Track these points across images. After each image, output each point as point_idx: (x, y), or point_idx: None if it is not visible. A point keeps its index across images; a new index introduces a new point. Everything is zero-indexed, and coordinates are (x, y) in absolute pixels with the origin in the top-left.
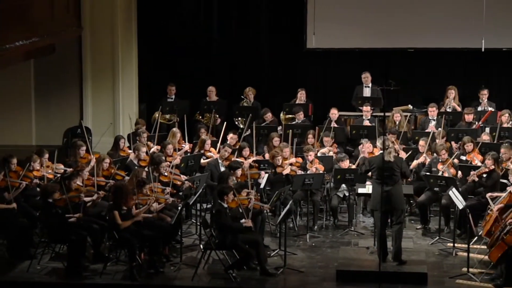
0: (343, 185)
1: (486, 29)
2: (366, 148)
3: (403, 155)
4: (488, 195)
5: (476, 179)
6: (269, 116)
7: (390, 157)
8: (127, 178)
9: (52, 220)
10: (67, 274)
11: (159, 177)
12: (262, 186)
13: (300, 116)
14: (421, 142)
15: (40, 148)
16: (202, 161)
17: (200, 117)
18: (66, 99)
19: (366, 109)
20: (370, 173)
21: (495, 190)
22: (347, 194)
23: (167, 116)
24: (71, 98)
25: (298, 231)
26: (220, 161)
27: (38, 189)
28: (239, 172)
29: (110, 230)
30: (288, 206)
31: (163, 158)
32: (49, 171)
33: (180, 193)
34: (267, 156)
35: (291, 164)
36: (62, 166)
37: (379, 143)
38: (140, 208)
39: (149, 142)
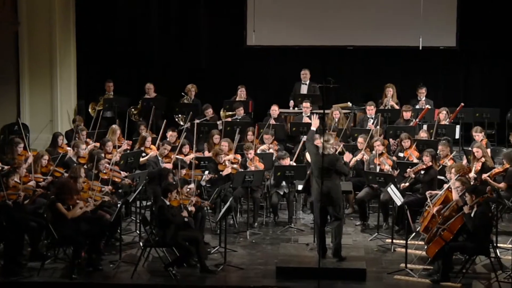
0: (283, 183)
1: (424, 28)
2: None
3: (348, 155)
4: (427, 193)
5: (413, 176)
6: (210, 111)
7: (325, 152)
8: (66, 175)
9: None
10: (4, 273)
11: (98, 175)
12: (203, 183)
13: (240, 112)
14: (360, 140)
15: None
16: (142, 158)
17: (133, 109)
18: (3, 95)
19: (306, 106)
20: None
21: (432, 187)
22: (286, 191)
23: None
24: (8, 95)
25: (238, 228)
26: (160, 158)
27: None
28: (183, 171)
29: (48, 227)
30: (228, 203)
31: (102, 155)
32: None
33: (120, 191)
34: (206, 153)
35: (231, 163)
36: None
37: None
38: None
39: (88, 139)
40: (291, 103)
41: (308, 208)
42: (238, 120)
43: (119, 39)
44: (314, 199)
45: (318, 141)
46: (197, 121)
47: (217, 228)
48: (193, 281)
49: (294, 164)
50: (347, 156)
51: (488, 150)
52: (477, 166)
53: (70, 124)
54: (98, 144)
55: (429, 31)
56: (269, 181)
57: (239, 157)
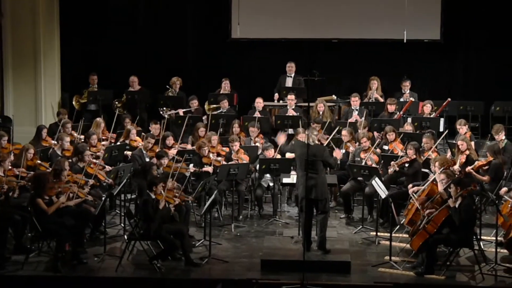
0: (267, 175)
1: (408, 21)
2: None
3: (338, 152)
4: (410, 190)
5: (397, 169)
6: (195, 103)
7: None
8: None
9: None
10: None
11: (83, 168)
12: (187, 174)
13: (225, 105)
14: (344, 132)
15: None
16: (126, 152)
17: (117, 102)
18: None
19: (291, 98)
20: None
21: (417, 179)
22: (271, 184)
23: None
24: None
25: (223, 221)
26: (144, 151)
27: None
28: (164, 161)
29: (32, 221)
30: (213, 196)
31: (87, 147)
32: None
33: (104, 184)
34: (189, 146)
35: (218, 155)
36: None
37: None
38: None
39: (72, 131)
40: (276, 95)
41: (293, 201)
42: (222, 113)
43: (103, 31)
44: (300, 192)
45: (302, 135)
46: (181, 111)
47: (202, 221)
48: (178, 274)
49: (278, 156)
50: (337, 153)
51: (472, 143)
52: (461, 159)
53: (54, 117)
54: (83, 137)
55: (413, 24)
56: (254, 173)
57: (227, 149)
